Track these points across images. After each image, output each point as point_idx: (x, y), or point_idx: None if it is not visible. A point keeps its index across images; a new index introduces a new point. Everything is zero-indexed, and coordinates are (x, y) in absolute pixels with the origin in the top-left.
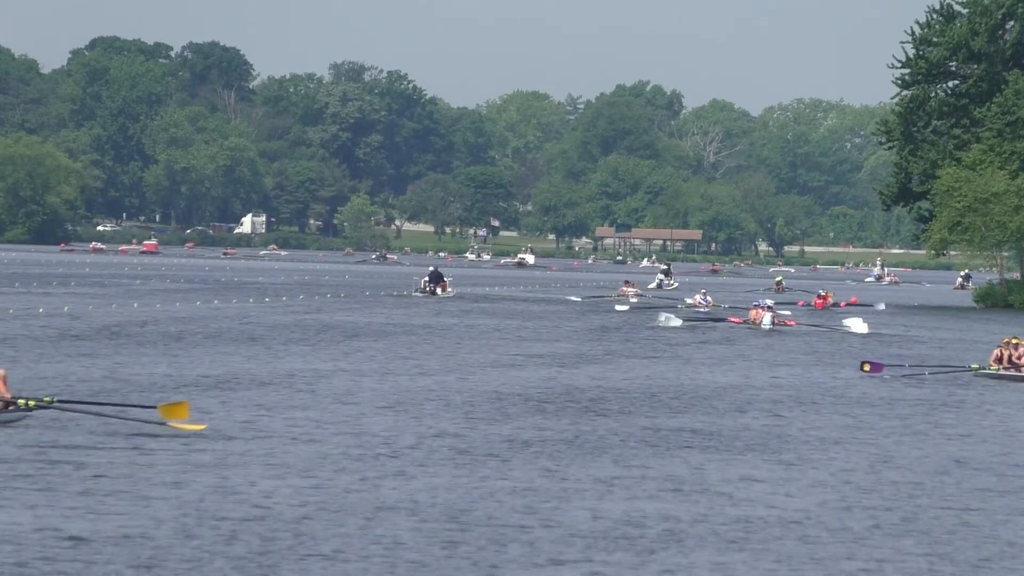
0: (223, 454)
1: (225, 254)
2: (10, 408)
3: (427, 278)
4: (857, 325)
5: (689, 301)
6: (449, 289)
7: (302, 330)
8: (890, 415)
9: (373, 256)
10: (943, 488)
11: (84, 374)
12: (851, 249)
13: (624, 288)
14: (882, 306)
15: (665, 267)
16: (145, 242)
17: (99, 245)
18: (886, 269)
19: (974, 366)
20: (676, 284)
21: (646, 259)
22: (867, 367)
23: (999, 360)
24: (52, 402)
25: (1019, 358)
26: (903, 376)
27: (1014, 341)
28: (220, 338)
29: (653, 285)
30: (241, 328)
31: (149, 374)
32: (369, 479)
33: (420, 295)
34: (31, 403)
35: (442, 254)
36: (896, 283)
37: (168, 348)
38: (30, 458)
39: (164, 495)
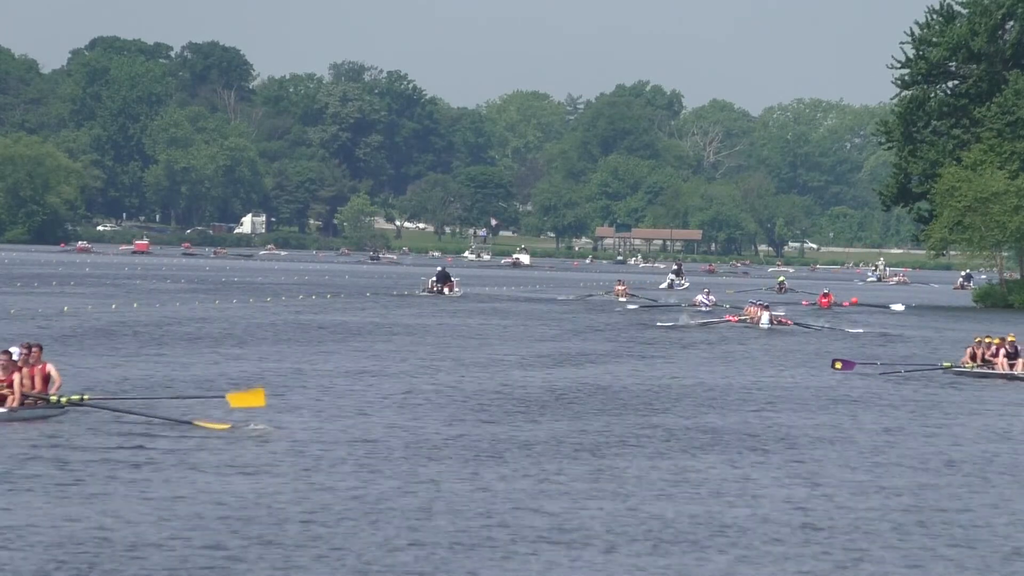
0: (246, 454)
1: (215, 254)
2: (44, 405)
3: (434, 278)
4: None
5: (673, 300)
6: (456, 289)
7: (307, 331)
8: (874, 413)
9: (369, 256)
10: (939, 487)
11: (99, 373)
12: (849, 250)
13: (617, 287)
14: (900, 307)
15: (676, 267)
16: (137, 242)
17: (86, 245)
18: (888, 270)
19: (946, 364)
20: (687, 284)
21: (633, 259)
22: (839, 365)
23: (972, 358)
24: (86, 399)
25: (992, 356)
26: (880, 375)
27: (986, 340)
28: (224, 338)
29: (664, 285)
30: (245, 328)
31: (164, 375)
32: (380, 479)
33: (426, 295)
34: (63, 400)
35: (436, 254)
36: (905, 283)
37: (176, 349)
38: (56, 456)
39: (180, 495)
